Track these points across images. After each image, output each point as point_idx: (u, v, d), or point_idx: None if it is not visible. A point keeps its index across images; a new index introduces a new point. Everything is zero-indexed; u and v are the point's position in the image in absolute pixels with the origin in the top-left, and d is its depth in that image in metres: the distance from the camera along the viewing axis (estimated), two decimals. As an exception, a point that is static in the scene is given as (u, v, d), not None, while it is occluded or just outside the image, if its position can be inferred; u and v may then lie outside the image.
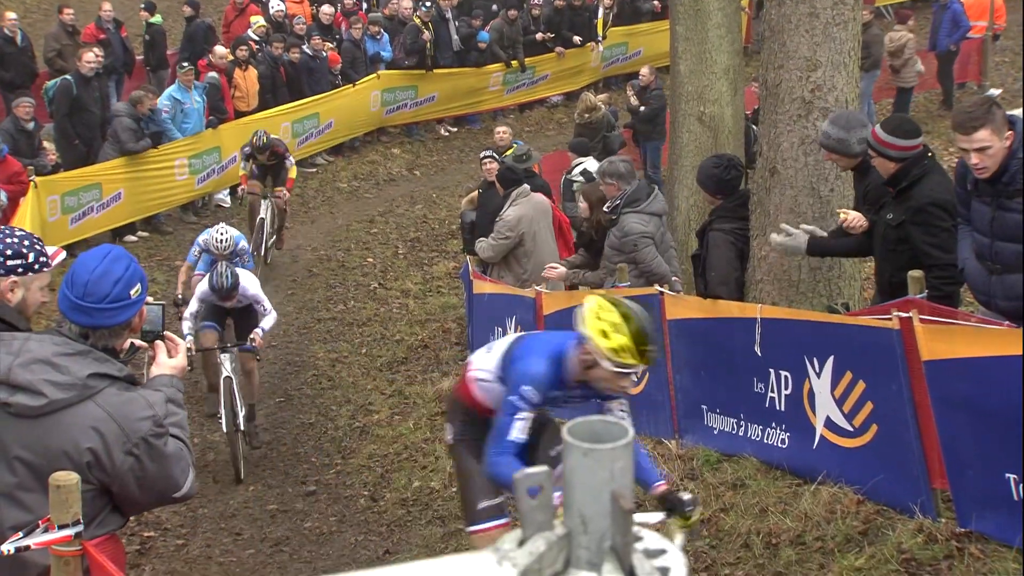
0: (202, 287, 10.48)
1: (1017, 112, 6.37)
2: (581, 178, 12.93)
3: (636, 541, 1.32)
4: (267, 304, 10.81)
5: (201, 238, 11.92)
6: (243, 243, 11.82)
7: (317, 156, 20.32)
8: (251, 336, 10.56)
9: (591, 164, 13.09)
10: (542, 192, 12.42)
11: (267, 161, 15.41)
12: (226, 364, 10.46)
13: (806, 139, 7.99)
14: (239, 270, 10.55)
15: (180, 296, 11.76)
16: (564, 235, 11.86)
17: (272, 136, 15.65)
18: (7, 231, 4.71)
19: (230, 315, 11.06)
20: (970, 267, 6.43)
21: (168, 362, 4.27)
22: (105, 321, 3.93)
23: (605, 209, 9.72)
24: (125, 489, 3.89)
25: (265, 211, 15.40)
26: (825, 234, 7.46)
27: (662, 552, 1.35)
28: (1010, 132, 6.02)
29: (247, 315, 10.95)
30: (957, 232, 6.61)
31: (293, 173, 15.79)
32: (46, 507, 3.70)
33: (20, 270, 4.49)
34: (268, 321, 10.75)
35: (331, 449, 10.71)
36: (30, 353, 3.85)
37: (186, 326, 10.46)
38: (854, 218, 7.20)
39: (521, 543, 1.31)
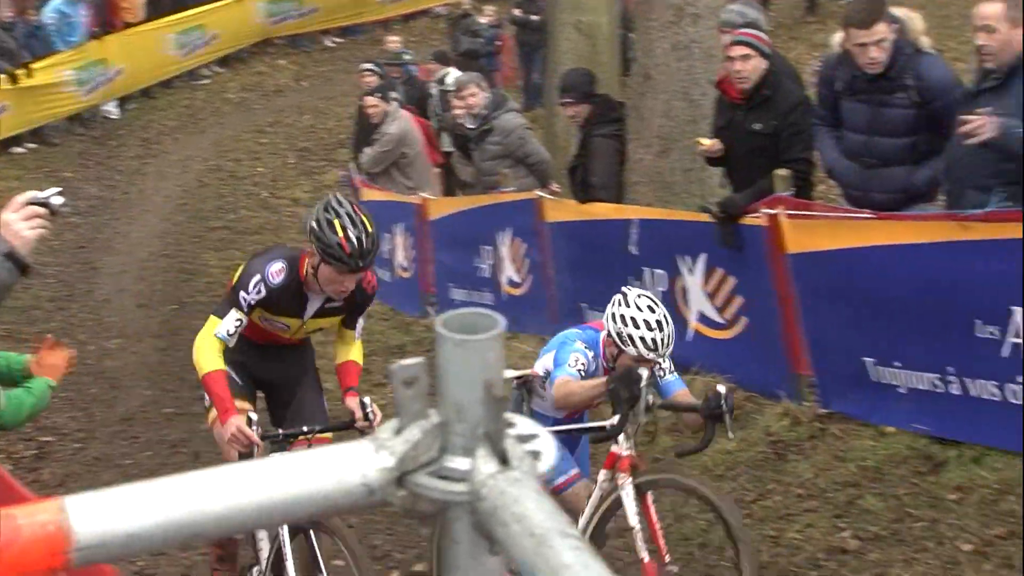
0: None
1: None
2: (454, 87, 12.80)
3: (508, 427, 1.32)
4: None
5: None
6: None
7: (204, 68, 19.84)
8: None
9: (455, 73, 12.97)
10: (421, 95, 12.75)
11: (327, 312, 5.15)
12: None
13: (678, 45, 7.99)
14: None
15: None
16: (431, 140, 11.88)
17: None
18: None
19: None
20: (840, 166, 6.38)
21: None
22: None
23: (470, 126, 9.54)
24: None
25: None
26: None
27: (534, 436, 1.35)
28: (895, 25, 6.07)
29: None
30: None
31: (359, 353, 5.29)
32: None
33: None
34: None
35: (226, 354, 10.57)
36: None
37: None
38: (713, 143, 7.00)
39: (398, 432, 1.30)
